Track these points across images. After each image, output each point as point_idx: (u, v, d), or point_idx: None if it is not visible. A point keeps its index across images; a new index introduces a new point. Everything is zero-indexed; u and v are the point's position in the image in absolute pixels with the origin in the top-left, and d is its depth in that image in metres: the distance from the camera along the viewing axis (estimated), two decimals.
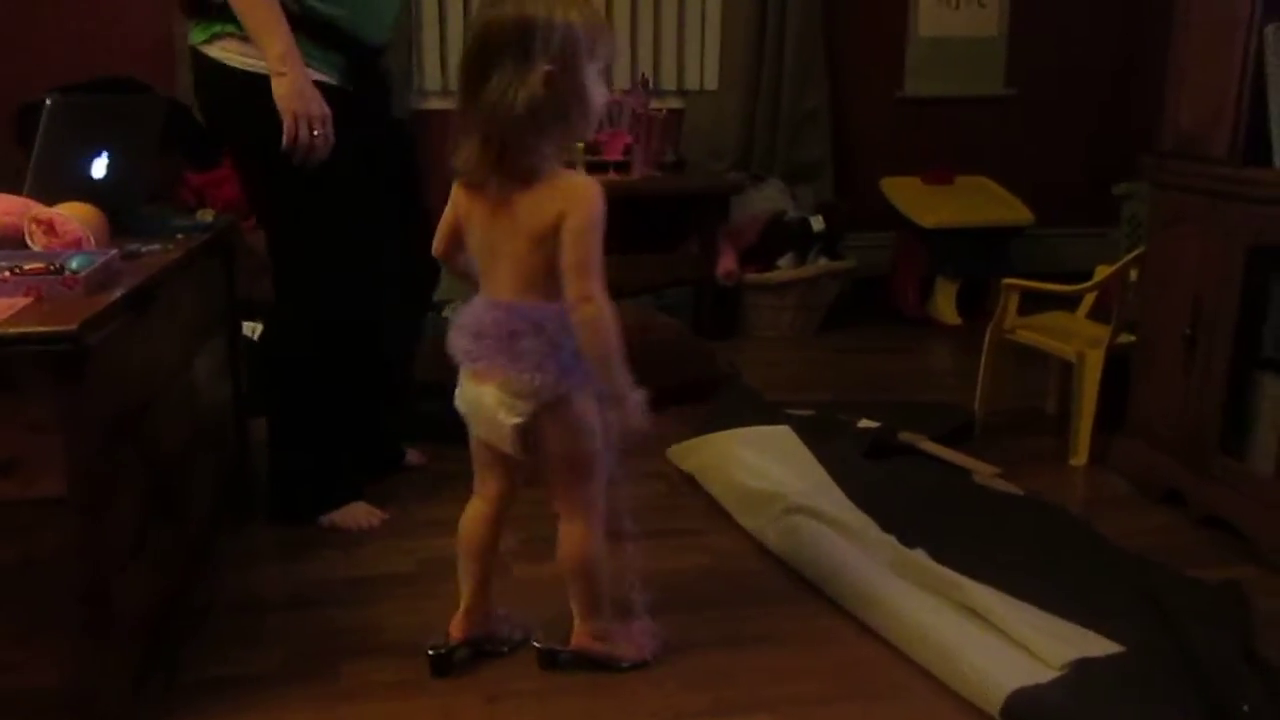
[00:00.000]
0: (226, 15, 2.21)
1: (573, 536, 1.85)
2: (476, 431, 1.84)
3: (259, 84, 2.21)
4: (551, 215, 1.67)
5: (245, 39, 2.22)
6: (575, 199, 1.68)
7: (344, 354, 2.43)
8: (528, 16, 1.65)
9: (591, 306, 1.67)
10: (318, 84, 2.25)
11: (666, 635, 1.98)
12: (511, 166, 1.68)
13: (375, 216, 2.41)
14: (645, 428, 1.74)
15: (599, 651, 1.90)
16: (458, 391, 1.82)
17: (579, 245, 1.67)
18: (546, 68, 1.64)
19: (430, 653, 1.91)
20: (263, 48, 2.18)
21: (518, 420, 1.74)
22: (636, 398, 1.73)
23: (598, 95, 1.72)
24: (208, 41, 2.27)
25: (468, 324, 1.77)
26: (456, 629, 1.93)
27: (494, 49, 1.65)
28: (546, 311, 1.71)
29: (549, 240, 1.68)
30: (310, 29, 2.25)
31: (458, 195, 1.80)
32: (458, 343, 1.77)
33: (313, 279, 2.38)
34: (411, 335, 2.71)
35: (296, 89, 2.18)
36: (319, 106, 2.21)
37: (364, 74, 2.40)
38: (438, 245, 1.88)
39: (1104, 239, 4.95)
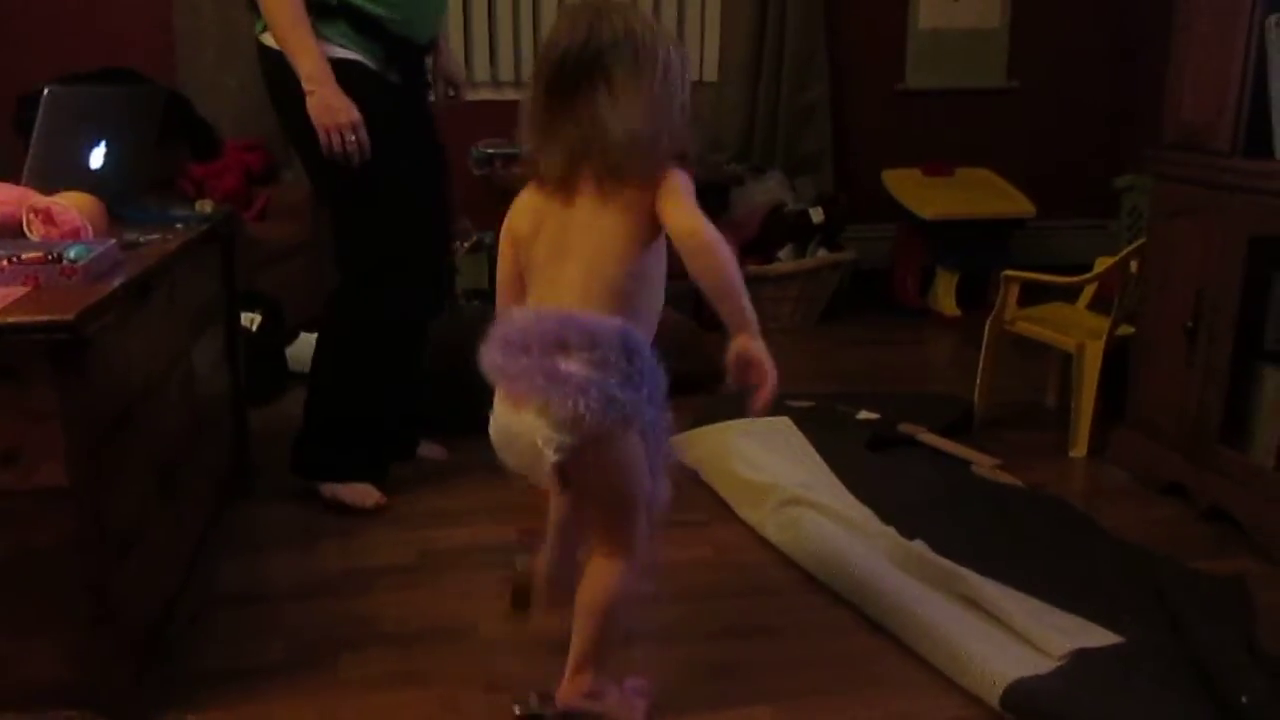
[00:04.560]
0: None
1: (608, 572, 1.65)
2: (509, 463, 1.63)
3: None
4: (639, 195, 1.58)
5: None
6: (667, 179, 1.58)
7: (389, 334, 2.51)
8: (635, 33, 1.56)
9: (705, 232, 1.53)
10: (354, 64, 2.32)
11: (658, 655, 1.91)
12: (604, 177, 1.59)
13: (409, 198, 2.46)
14: (773, 385, 1.54)
15: (590, 711, 1.70)
16: (491, 417, 1.63)
17: (679, 193, 1.57)
18: (651, 94, 1.56)
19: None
20: (295, 66, 2.27)
21: (557, 457, 1.53)
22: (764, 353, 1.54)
23: (685, 130, 1.63)
24: (263, 30, 2.35)
25: (508, 335, 1.57)
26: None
27: (597, 59, 1.55)
28: (606, 326, 1.54)
29: (634, 215, 1.58)
30: (351, 19, 2.32)
31: (529, 201, 1.66)
32: (493, 358, 1.58)
33: (365, 252, 2.45)
34: (432, 321, 2.74)
35: (326, 105, 2.26)
36: (348, 115, 2.27)
37: (405, 66, 2.46)
38: (502, 292, 1.72)
39: (1104, 231, 4.95)
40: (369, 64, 2.36)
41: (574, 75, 1.57)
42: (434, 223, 2.58)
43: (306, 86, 2.26)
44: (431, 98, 2.67)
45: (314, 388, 2.58)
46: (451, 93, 2.69)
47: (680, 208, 1.57)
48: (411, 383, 2.67)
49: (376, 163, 2.35)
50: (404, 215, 2.44)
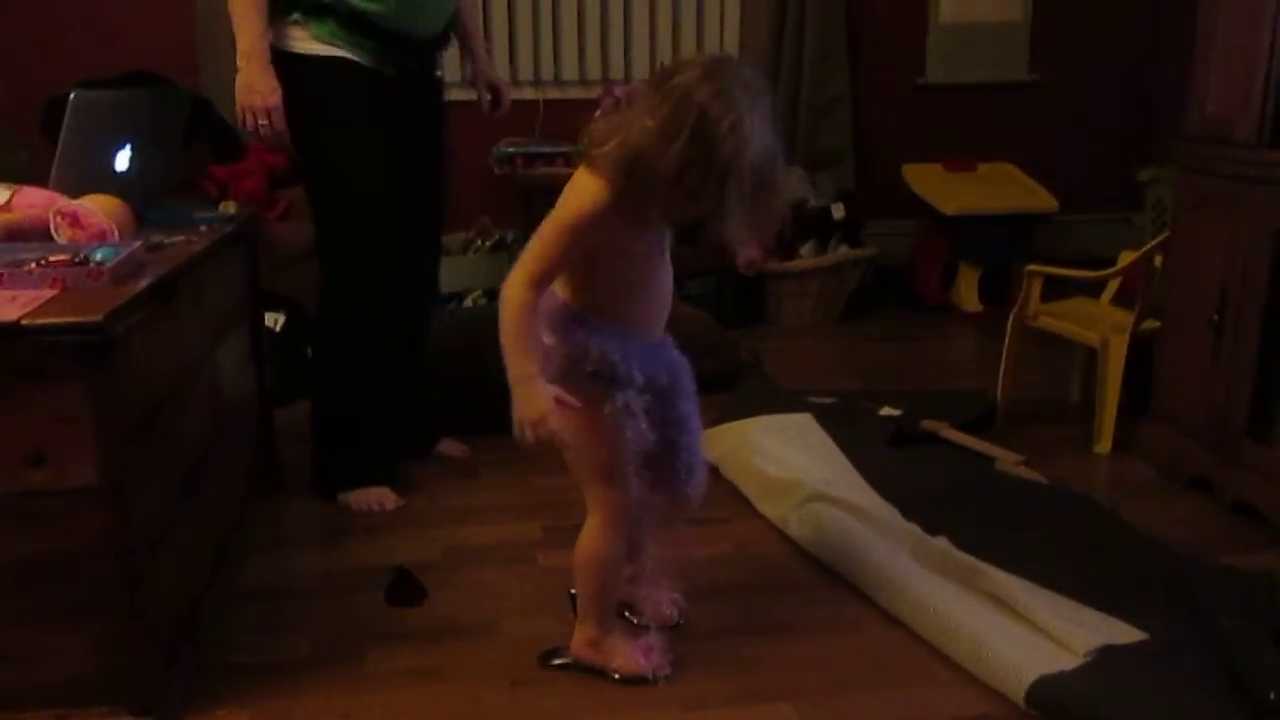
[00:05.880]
0: (278, 7, 2.33)
1: (586, 531, 1.82)
2: None
3: (282, 61, 2.33)
4: None
5: (294, 23, 2.34)
6: (568, 190, 1.63)
7: (372, 339, 2.51)
8: (693, 98, 1.48)
9: (506, 288, 1.63)
10: (341, 62, 2.34)
11: (677, 651, 1.92)
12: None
13: (398, 197, 2.46)
14: (531, 424, 1.60)
15: (592, 661, 1.87)
16: None
17: (540, 228, 1.63)
18: (690, 152, 1.48)
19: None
20: (237, 38, 2.32)
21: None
22: (533, 393, 1.60)
23: (675, 212, 1.61)
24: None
25: None
26: None
27: (683, 81, 1.50)
28: (552, 303, 1.71)
29: None
30: (339, 16, 2.33)
31: None
32: None
33: (343, 254, 2.48)
34: (423, 319, 2.75)
35: (247, 83, 2.31)
36: (264, 99, 2.31)
37: (405, 61, 2.44)
38: None
39: (1128, 225, 4.91)
40: (359, 60, 2.36)
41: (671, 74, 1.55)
42: (422, 221, 2.58)
43: (238, 63, 2.31)
44: (475, 97, 2.71)
45: (315, 402, 2.61)
46: (490, 99, 2.71)
47: (525, 252, 1.64)
48: (414, 382, 2.68)
49: (357, 160, 2.38)
50: (384, 214, 2.43)
